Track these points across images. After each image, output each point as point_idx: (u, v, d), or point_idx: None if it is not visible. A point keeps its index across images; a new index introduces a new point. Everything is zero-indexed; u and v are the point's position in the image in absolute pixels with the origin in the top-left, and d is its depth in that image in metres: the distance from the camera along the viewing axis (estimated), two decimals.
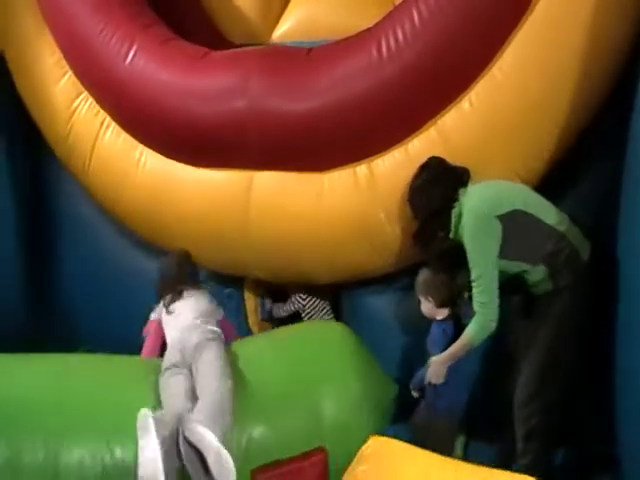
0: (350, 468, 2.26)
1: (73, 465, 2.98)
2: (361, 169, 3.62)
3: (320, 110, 3.55)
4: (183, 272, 3.66)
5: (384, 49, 3.45)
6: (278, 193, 3.72)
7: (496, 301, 3.19)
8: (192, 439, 2.80)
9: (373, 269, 3.77)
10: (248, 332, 4.09)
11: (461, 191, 3.32)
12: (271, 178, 3.73)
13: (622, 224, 3.18)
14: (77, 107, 4.08)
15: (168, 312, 3.50)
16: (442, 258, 3.44)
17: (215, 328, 3.35)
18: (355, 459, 2.28)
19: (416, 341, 3.63)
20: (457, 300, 3.45)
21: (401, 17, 3.47)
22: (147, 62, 3.80)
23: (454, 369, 3.35)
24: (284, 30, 4.33)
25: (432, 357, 3.37)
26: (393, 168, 3.56)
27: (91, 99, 4.05)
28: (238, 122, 3.65)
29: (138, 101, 3.83)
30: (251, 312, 3.88)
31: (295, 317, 4.09)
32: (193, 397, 3.05)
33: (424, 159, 3.45)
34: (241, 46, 4.07)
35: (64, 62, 4.08)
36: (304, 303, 4.05)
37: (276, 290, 3.85)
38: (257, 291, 4.22)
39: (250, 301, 4.20)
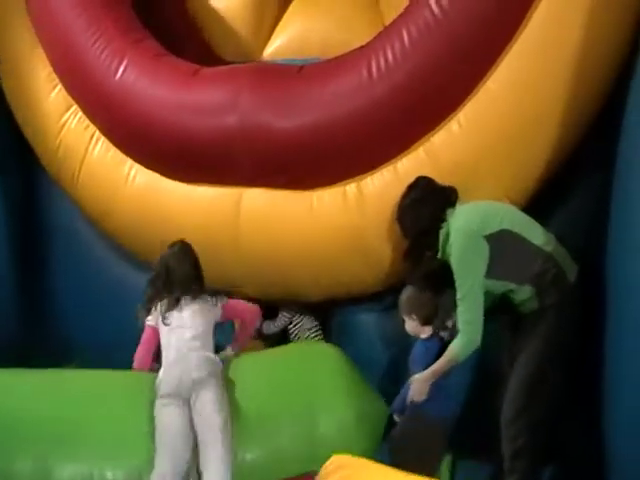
0: None
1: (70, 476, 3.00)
2: (350, 187, 3.63)
3: (310, 128, 3.57)
4: (182, 270, 3.50)
5: (374, 69, 3.47)
6: (267, 210, 3.72)
7: (481, 320, 3.21)
8: None
9: (363, 287, 3.77)
10: None
11: (449, 211, 3.33)
12: (260, 195, 3.73)
13: (610, 243, 3.18)
14: (67, 121, 4.08)
15: (164, 322, 3.43)
16: (429, 277, 3.45)
17: (212, 356, 3.35)
18: (317, 478, 2.30)
19: (404, 358, 3.61)
20: (441, 324, 3.47)
21: (391, 37, 3.49)
22: (137, 77, 3.81)
23: (437, 387, 3.35)
24: (275, 47, 4.36)
25: (414, 375, 3.38)
26: (382, 187, 3.58)
27: (81, 113, 4.06)
28: (228, 139, 3.66)
29: (128, 116, 3.84)
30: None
31: (285, 333, 4.09)
32: (190, 434, 3.16)
33: (413, 179, 3.47)
34: (232, 63, 4.09)
35: (54, 75, 4.08)
36: (291, 320, 4.04)
37: (266, 307, 3.85)
38: None
39: None
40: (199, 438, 3.18)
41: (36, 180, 4.45)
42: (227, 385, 3.27)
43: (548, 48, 3.35)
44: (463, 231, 3.25)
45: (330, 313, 4.08)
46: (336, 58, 3.72)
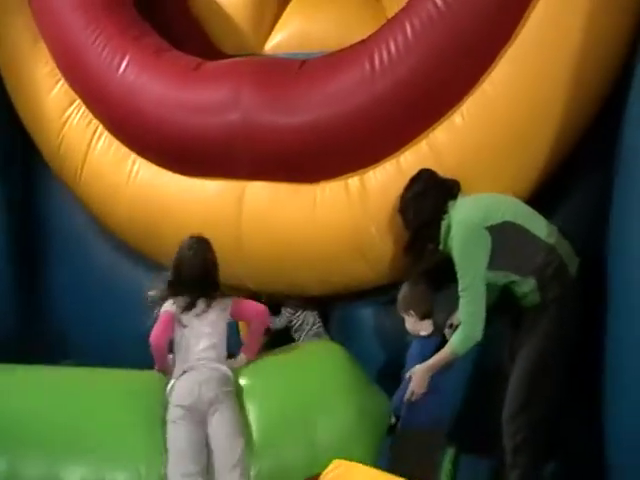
0: None
1: None
2: (353, 181, 3.63)
3: (312, 123, 3.57)
4: (199, 269, 3.40)
5: (377, 63, 3.47)
6: (270, 203, 3.72)
7: (483, 312, 3.21)
8: None
9: (365, 281, 3.77)
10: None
11: (450, 203, 3.34)
12: (263, 188, 3.74)
13: (612, 239, 3.19)
14: (69, 116, 4.09)
15: (182, 324, 3.36)
16: (431, 272, 3.46)
17: (225, 371, 3.30)
18: None
19: (405, 352, 3.62)
20: (444, 322, 3.48)
21: (394, 30, 3.49)
22: (139, 73, 3.82)
23: (434, 384, 3.35)
24: (277, 41, 4.35)
25: (412, 369, 3.37)
26: (385, 181, 3.57)
27: (83, 108, 4.06)
28: (230, 135, 3.66)
29: (130, 112, 3.84)
30: (243, 326, 3.86)
31: (287, 328, 4.08)
32: (204, 450, 3.14)
33: (415, 172, 3.47)
34: (233, 57, 4.09)
35: (57, 71, 4.09)
36: (292, 317, 4.04)
37: (269, 303, 3.84)
38: None
39: None
40: (215, 463, 3.14)
41: (37, 176, 4.46)
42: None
43: (551, 41, 3.34)
44: (465, 223, 3.25)
45: (332, 307, 4.08)
46: (338, 52, 3.71)
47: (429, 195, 3.37)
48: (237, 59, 3.96)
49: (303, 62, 3.73)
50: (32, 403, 3.22)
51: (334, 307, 4.08)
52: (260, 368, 3.42)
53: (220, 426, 3.16)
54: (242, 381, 3.35)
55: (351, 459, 2.83)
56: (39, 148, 4.28)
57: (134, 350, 3.47)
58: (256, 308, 3.51)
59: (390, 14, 3.91)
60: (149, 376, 3.42)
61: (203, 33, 4.44)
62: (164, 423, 3.19)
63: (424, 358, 3.38)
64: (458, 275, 3.24)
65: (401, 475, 2.78)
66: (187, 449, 3.11)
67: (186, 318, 3.34)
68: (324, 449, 3.15)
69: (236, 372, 3.36)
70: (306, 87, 3.61)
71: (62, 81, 4.09)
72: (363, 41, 3.65)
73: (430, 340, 3.46)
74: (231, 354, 3.44)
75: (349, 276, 3.74)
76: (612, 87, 3.38)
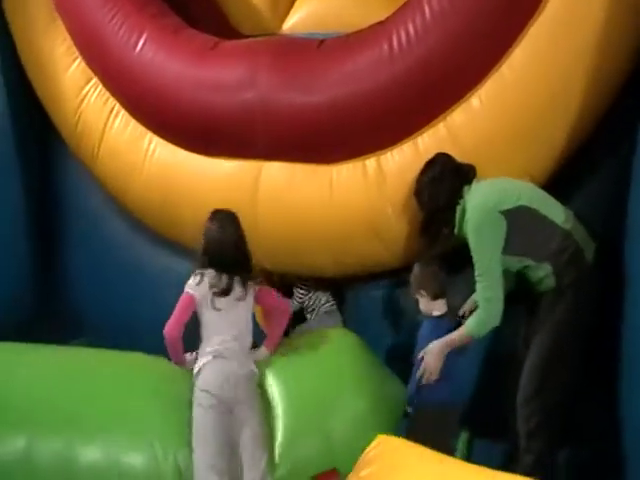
0: (356, 469, 2.24)
1: (90, 463, 3.03)
2: (370, 162, 3.62)
3: (329, 103, 3.56)
4: (232, 247, 3.32)
5: (395, 44, 3.45)
6: (286, 183, 3.72)
7: (501, 297, 3.21)
8: None
9: (380, 263, 3.76)
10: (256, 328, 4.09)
11: (466, 188, 3.33)
12: (280, 169, 3.73)
13: (630, 225, 3.17)
14: (86, 94, 4.09)
15: (214, 307, 3.28)
16: (446, 256, 3.45)
17: (249, 364, 3.28)
18: (360, 460, 2.26)
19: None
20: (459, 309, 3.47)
21: (413, 11, 3.46)
22: (156, 51, 3.82)
23: (448, 369, 3.34)
24: (294, 21, 4.32)
25: (424, 349, 3.36)
26: (402, 162, 3.56)
27: (100, 86, 4.06)
28: (247, 114, 3.65)
29: (147, 90, 3.84)
30: (259, 311, 3.86)
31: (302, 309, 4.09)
32: (227, 443, 3.13)
33: (432, 154, 3.46)
34: (251, 37, 4.07)
35: (74, 49, 4.09)
36: (304, 298, 4.05)
37: (282, 287, 3.84)
38: None
39: None
40: (242, 459, 3.15)
41: (54, 155, 4.46)
42: None
43: (571, 24, 3.32)
44: (480, 207, 3.24)
45: (346, 289, 4.08)
46: (357, 32, 3.69)
47: (445, 179, 3.37)
48: (254, 39, 3.95)
49: (321, 42, 3.71)
50: (49, 383, 3.24)
51: (349, 289, 4.07)
52: (274, 360, 3.42)
53: (246, 427, 3.15)
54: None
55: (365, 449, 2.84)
56: (56, 127, 4.29)
57: (150, 330, 3.49)
58: (281, 303, 3.52)
59: None
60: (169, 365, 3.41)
61: (220, 13, 4.42)
62: (185, 405, 3.20)
63: (436, 337, 3.36)
64: (474, 260, 3.23)
65: None
66: (213, 441, 3.11)
67: (220, 301, 3.28)
68: (340, 441, 3.17)
69: None
70: (324, 67, 3.60)
71: (79, 59, 4.09)
72: (382, 22, 3.63)
73: (442, 321, 3.45)
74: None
75: (364, 257, 3.74)
76: (630, 72, 3.36)
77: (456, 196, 3.33)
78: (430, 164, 3.44)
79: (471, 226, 3.24)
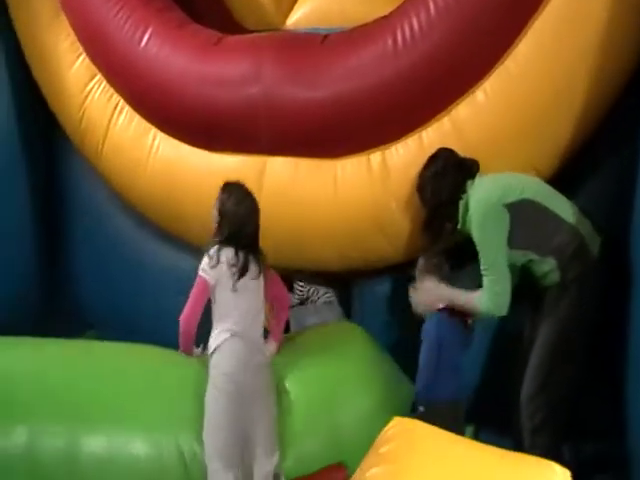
0: (372, 449, 2.26)
1: (93, 452, 3.04)
2: (375, 157, 3.62)
3: (333, 98, 3.56)
4: (252, 223, 3.24)
5: (399, 38, 3.45)
6: (290, 178, 3.72)
7: (508, 289, 3.20)
8: None
9: (385, 257, 3.76)
10: None
11: (469, 183, 3.32)
12: (284, 164, 3.73)
13: (635, 220, 3.15)
14: (90, 91, 4.09)
15: (233, 289, 3.16)
16: (450, 252, 3.45)
17: (269, 357, 3.25)
18: (377, 440, 2.28)
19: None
20: None
21: (417, 6, 3.45)
22: (161, 47, 3.81)
23: (453, 363, 3.36)
24: (298, 17, 4.33)
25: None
26: (407, 157, 3.56)
27: (104, 82, 4.06)
28: (251, 109, 3.65)
29: (151, 85, 3.84)
30: None
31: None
32: (239, 427, 3.09)
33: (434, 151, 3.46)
34: (254, 32, 4.07)
35: (78, 45, 4.09)
36: (304, 290, 4.05)
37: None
38: None
39: None
40: (254, 454, 3.13)
41: (59, 151, 4.46)
42: None
43: (576, 18, 3.30)
44: (483, 201, 3.24)
45: (350, 284, 4.07)
46: (361, 27, 3.68)
47: (448, 174, 3.36)
48: (259, 34, 3.95)
49: (325, 37, 3.71)
50: (51, 375, 3.24)
51: (353, 284, 4.07)
52: (282, 353, 3.41)
53: (260, 422, 3.11)
54: None
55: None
56: (61, 123, 4.29)
57: (155, 326, 3.49)
58: (284, 294, 3.46)
59: None
60: (173, 353, 3.40)
61: (224, 8, 4.44)
62: (191, 395, 3.18)
63: (440, 334, 3.37)
64: (480, 254, 3.23)
65: None
66: (226, 426, 3.07)
67: (236, 282, 3.17)
68: (347, 436, 3.17)
69: None
70: (328, 61, 3.59)
71: (83, 55, 4.09)
72: (386, 17, 3.62)
73: (446, 316, 3.42)
74: None
75: (368, 252, 3.74)
76: (633, 71, 3.36)
77: (459, 191, 3.32)
78: (433, 159, 3.44)
79: (475, 221, 3.24)
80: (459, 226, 3.34)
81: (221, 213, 3.23)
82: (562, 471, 1.95)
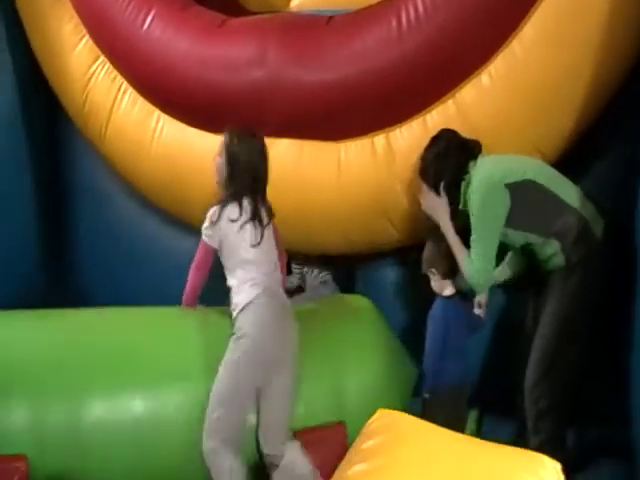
0: (356, 442, 2.24)
1: (96, 421, 3.01)
2: (379, 140, 3.61)
3: (338, 81, 3.54)
4: (264, 168, 3.12)
5: (404, 21, 3.43)
6: (294, 161, 3.71)
7: (491, 269, 3.22)
8: None
9: (389, 241, 3.76)
10: None
11: (471, 164, 3.31)
12: (288, 146, 3.72)
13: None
14: (94, 73, 4.07)
15: (253, 245, 3.05)
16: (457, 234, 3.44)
17: (289, 307, 3.17)
18: (361, 433, 2.26)
19: (427, 314, 3.62)
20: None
21: None
22: (164, 29, 3.79)
23: (458, 348, 3.37)
24: None
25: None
26: (411, 140, 3.55)
27: (108, 64, 4.04)
28: (256, 92, 3.64)
29: (155, 68, 3.82)
30: None
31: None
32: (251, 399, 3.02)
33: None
34: (258, 14, 4.05)
35: (81, 27, 4.06)
36: (302, 271, 4.05)
37: None
38: None
39: None
40: (262, 421, 3.06)
41: (62, 134, 4.45)
42: None
43: (581, 2, 3.27)
44: (484, 180, 3.23)
45: (354, 268, 4.08)
46: (365, 9, 3.66)
47: (450, 155, 3.35)
48: (263, 16, 3.93)
49: (329, 19, 3.69)
50: (50, 345, 3.20)
51: (358, 268, 4.08)
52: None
53: (278, 393, 3.04)
54: None
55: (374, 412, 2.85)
56: (64, 105, 4.27)
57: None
58: (279, 234, 3.29)
59: None
60: (170, 310, 3.38)
61: None
62: (191, 352, 3.12)
63: (446, 320, 3.37)
64: (472, 226, 3.23)
65: None
66: (236, 398, 2.98)
67: (253, 234, 3.07)
68: (350, 399, 3.18)
69: None
70: (332, 44, 3.57)
71: (86, 37, 4.07)
72: None
73: (453, 302, 3.44)
74: None
75: (373, 235, 3.74)
76: (638, 56, 3.34)
77: (461, 172, 3.32)
78: (435, 140, 3.43)
79: (475, 197, 3.23)
80: (460, 206, 3.34)
81: (232, 162, 3.10)
82: (552, 464, 1.93)
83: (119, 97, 4.02)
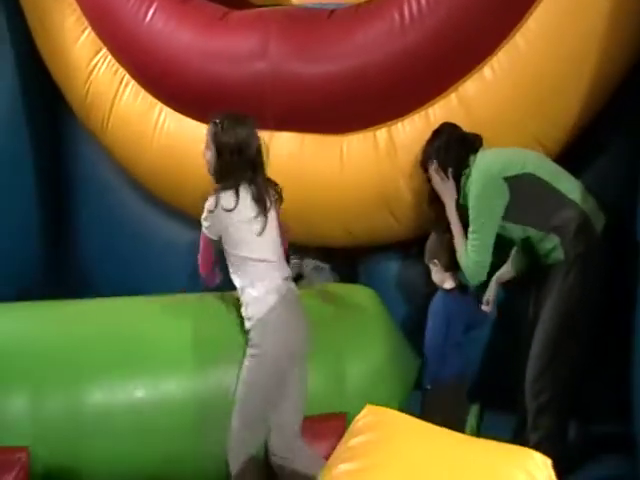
0: (344, 439, 2.22)
1: (96, 411, 3.01)
2: (381, 133, 3.61)
3: (340, 74, 3.54)
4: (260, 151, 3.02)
5: (406, 14, 3.43)
6: (296, 154, 3.71)
7: (486, 263, 3.23)
8: None
9: (391, 234, 3.77)
10: None
11: (472, 157, 3.31)
12: (290, 139, 3.72)
13: None
14: (96, 65, 4.08)
15: (260, 234, 2.98)
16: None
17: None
18: (349, 430, 2.24)
19: (428, 307, 3.62)
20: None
21: None
22: (166, 21, 3.81)
23: (458, 342, 3.37)
24: None
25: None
26: (413, 133, 3.55)
27: (110, 57, 4.05)
28: (257, 84, 3.65)
29: (157, 60, 3.83)
30: None
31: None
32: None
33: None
34: (260, 7, 4.04)
35: (83, 19, 4.07)
36: (299, 262, 4.06)
37: None
38: None
39: None
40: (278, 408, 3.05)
41: (64, 126, 4.46)
42: None
43: None
44: (484, 173, 3.23)
45: (357, 261, 4.08)
46: (367, 3, 3.66)
47: (451, 150, 3.35)
48: (265, 8, 3.92)
49: (331, 12, 3.69)
50: (49, 334, 3.20)
51: (360, 261, 4.07)
52: None
53: (292, 395, 3.04)
54: None
55: (377, 402, 2.84)
56: (66, 97, 4.28)
57: None
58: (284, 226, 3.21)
59: None
60: (168, 297, 3.39)
61: None
62: (190, 339, 3.12)
63: (447, 314, 3.37)
64: (470, 218, 3.23)
65: None
66: (260, 418, 3.00)
67: (258, 221, 3.00)
68: (352, 386, 3.18)
69: None
70: (335, 37, 3.58)
71: (89, 29, 4.07)
72: None
73: (453, 295, 3.44)
74: None
75: (375, 228, 3.74)
76: None
77: (462, 165, 3.32)
78: (436, 134, 3.43)
79: (473, 189, 3.23)
80: (461, 200, 3.34)
81: (219, 148, 2.99)
82: (542, 459, 1.91)
83: (121, 89, 4.03)
